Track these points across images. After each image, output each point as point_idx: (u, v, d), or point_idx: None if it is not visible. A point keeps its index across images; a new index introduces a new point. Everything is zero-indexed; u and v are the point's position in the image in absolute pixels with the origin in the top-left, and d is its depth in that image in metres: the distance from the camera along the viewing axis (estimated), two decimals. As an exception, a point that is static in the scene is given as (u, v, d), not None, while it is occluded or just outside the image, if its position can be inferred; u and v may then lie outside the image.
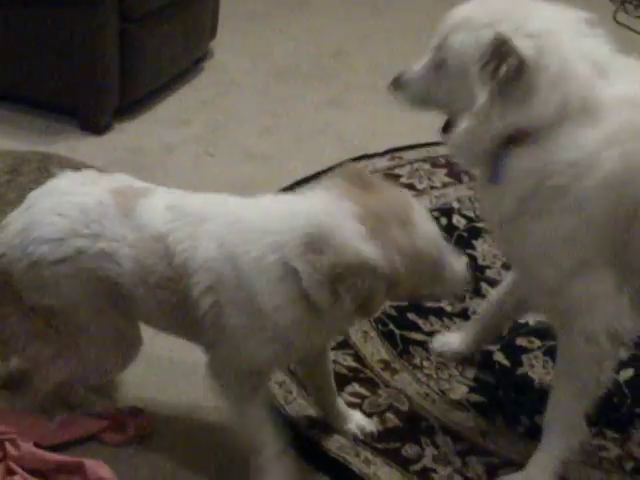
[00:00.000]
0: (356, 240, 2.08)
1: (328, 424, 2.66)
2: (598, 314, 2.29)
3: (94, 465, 2.36)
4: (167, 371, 2.81)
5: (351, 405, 2.73)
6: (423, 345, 3.01)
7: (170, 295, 2.26)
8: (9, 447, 2.38)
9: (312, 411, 2.71)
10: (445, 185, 3.94)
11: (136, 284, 2.28)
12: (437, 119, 4.53)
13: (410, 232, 2.13)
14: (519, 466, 2.56)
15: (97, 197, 2.31)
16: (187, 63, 4.71)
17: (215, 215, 2.27)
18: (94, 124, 4.14)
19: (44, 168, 3.31)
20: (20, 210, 2.39)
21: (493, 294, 2.92)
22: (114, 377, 2.65)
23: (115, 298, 2.32)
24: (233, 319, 2.21)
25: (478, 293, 3.22)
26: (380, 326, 3.08)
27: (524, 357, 2.98)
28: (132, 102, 4.30)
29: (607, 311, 2.29)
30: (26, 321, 2.35)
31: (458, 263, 2.26)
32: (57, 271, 2.28)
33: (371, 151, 4.14)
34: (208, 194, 2.39)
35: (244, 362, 2.28)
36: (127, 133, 4.19)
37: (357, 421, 2.65)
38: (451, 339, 2.99)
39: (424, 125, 4.42)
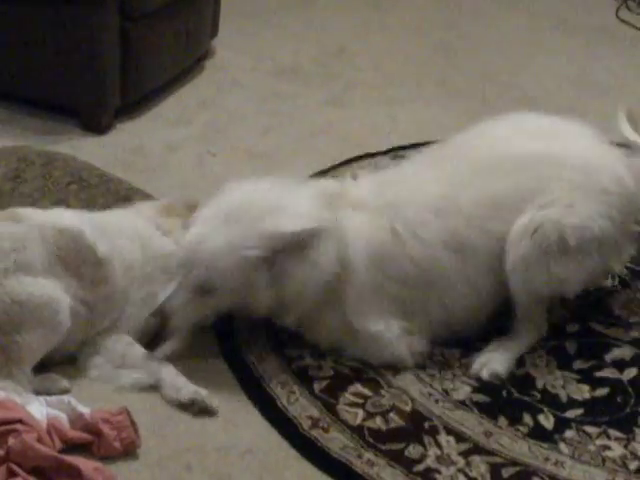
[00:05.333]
0: None
1: (330, 424, 2.66)
2: None
3: (92, 472, 2.33)
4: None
5: (354, 405, 2.74)
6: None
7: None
8: (12, 441, 2.37)
9: (315, 411, 2.71)
10: (447, 183, 3.92)
11: None
12: (441, 117, 4.56)
13: None
14: (523, 465, 2.56)
15: None
16: (188, 62, 4.70)
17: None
18: (96, 124, 4.13)
19: (48, 174, 3.30)
20: None
21: None
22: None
23: None
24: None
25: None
26: (382, 326, 3.08)
27: (527, 356, 2.96)
28: (133, 101, 4.29)
29: None
30: None
31: None
32: None
33: (373, 150, 4.13)
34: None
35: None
36: (129, 133, 4.18)
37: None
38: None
39: (427, 124, 4.46)
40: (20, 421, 2.41)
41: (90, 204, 3.21)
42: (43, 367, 2.72)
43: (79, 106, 4.16)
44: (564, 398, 2.82)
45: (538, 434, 2.68)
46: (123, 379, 2.76)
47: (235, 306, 2.83)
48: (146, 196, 3.35)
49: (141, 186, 3.53)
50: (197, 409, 2.68)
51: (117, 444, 2.49)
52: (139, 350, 2.81)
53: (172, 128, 4.25)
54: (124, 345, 2.81)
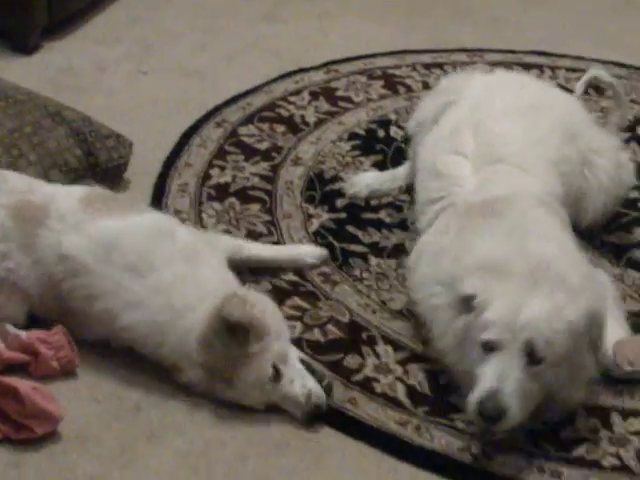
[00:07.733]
0: None
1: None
2: None
3: (30, 391, 2.32)
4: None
5: (292, 318, 2.75)
6: (363, 257, 3.02)
7: None
8: None
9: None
10: (382, 97, 3.92)
11: None
12: (373, 31, 4.50)
13: None
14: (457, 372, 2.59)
15: None
16: (117, -21, 4.61)
17: None
18: (23, 44, 4.04)
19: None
20: None
21: None
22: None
23: None
24: None
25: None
26: (319, 239, 3.08)
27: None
28: (61, 20, 4.20)
29: None
30: None
31: None
32: None
33: (307, 65, 4.10)
34: None
35: None
36: (57, 52, 4.10)
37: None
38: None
39: (359, 37, 4.42)
40: (-45, 344, 2.40)
41: (19, 120, 3.12)
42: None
43: (5, 26, 4.06)
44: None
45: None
46: None
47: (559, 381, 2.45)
48: (75, 112, 3.27)
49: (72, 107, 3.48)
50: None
51: (55, 363, 2.48)
52: None
53: (102, 47, 4.18)
54: None
